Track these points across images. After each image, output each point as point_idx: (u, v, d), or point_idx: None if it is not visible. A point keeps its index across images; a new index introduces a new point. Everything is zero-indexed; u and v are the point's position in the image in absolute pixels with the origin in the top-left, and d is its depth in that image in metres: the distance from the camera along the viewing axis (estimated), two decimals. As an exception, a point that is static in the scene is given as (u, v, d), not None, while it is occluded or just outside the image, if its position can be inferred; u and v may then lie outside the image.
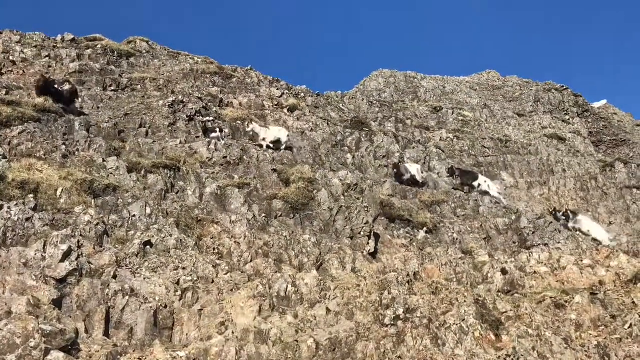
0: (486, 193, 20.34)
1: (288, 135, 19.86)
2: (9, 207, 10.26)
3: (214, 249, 12.19)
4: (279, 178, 16.22)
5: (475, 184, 20.59)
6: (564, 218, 19.42)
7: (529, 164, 28.08)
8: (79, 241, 10.32)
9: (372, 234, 14.56)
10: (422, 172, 21.03)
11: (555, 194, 25.60)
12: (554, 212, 19.97)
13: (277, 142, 19.46)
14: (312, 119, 23.76)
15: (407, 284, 11.23)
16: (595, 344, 9.90)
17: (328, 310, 10.24)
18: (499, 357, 9.27)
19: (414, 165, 21.13)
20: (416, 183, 20.04)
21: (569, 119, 38.29)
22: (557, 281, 12.70)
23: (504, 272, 12.96)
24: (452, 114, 33.88)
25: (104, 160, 14.08)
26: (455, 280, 12.54)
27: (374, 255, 14.21)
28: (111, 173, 13.67)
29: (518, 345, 9.54)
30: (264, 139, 19.23)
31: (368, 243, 14.31)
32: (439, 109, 34.41)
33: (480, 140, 29.74)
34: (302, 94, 27.73)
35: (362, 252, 13.85)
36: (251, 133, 19.53)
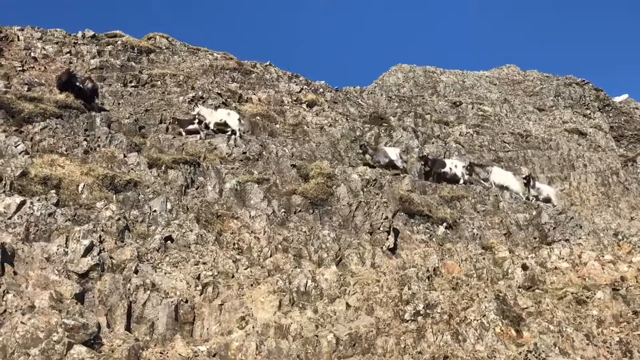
0: (455, 175, 20.26)
1: (239, 119, 18.64)
2: (31, 203, 10.37)
3: (234, 244, 12.24)
4: (298, 173, 16.22)
5: (446, 169, 20.45)
6: (526, 183, 20.46)
7: (549, 159, 27.84)
8: (100, 236, 10.41)
9: (392, 229, 14.53)
10: (402, 157, 20.53)
11: (576, 189, 25.39)
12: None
13: (224, 126, 18.40)
14: (331, 114, 23.74)
15: (427, 280, 11.21)
16: (617, 340, 9.82)
17: (348, 305, 10.24)
18: (520, 352, 9.22)
19: (393, 149, 20.86)
20: (395, 168, 19.76)
21: (589, 114, 37.82)
22: (578, 277, 12.57)
23: (524, 267, 12.87)
24: (472, 108, 33.62)
25: (124, 156, 14.19)
26: (475, 275, 12.47)
27: (393, 250, 14.19)
28: (132, 169, 13.77)
29: (539, 341, 9.48)
30: (203, 123, 18.25)
31: (387, 238, 14.28)
32: (458, 103, 34.16)
33: (500, 135, 29.51)
34: (321, 89, 27.70)
35: (382, 248, 13.83)
36: (196, 119, 18.39)
